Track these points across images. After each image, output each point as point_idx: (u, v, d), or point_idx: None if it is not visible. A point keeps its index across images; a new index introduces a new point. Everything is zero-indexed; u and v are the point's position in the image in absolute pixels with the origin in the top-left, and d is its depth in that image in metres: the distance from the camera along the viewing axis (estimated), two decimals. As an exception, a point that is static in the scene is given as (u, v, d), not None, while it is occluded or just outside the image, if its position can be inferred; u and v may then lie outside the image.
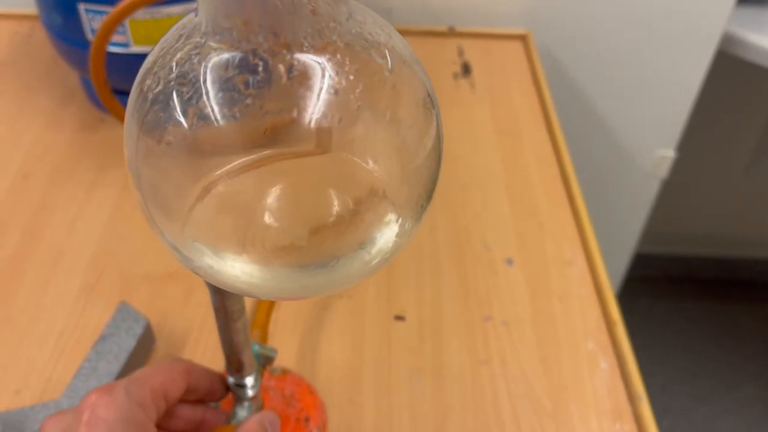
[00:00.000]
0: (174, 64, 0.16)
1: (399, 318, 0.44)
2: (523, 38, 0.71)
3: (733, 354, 1.30)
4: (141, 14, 0.50)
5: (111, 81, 0.44)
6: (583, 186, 0.54)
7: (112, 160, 0.54)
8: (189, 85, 0.16)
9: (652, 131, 0.82)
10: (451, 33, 0.70)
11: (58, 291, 0.45)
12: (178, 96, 0.16)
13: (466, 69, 0.66)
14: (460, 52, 0.68)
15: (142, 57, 0.46)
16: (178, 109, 0.16)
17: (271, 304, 0.34)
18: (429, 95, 0.18)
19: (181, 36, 0.17)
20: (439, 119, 0.18)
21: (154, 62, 0.17)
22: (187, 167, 0.17)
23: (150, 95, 0.16)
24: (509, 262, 0.48)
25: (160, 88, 0.16)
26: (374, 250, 0.18)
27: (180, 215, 0.17)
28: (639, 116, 0.80)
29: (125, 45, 0.51)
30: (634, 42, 0.74)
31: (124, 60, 0.51)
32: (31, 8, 0.68)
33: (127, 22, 0.50)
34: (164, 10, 0.50)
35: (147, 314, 0.42)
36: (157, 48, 0.17)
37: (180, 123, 0.16)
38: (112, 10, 0.41)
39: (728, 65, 0.82)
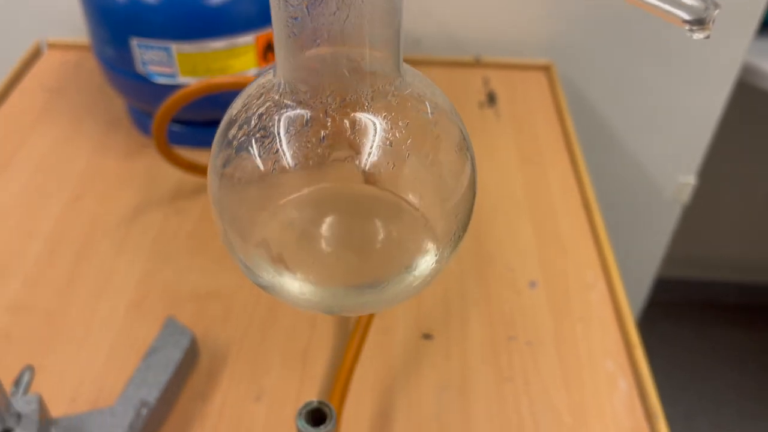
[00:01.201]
0: (256, 117, 0.19)
1: (427, 336, 0.47)
2: (546, 69, 0.73)
3: (757, 382, 1.30)
4: (188, 48, 0.53)
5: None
6: (605, 211, 0.56)
7: (157, 184, 0.57)
8: (269, 136, 0.19)
9: (673, 158, 0.84)
10: (477, 63, 0.73)
11: (108, 307, 0.48)
12: (259, 144, 0.19)
13: (491, 98, 0.68)
14: (486, 82, 0.71)
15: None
16: (259, 155, 0.19)
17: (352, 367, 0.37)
18: (464, 139, 0.21)
19: (261, 94, 0.20)
20: (474, 161, 0.21)
21: (238, 113, 0.20)
22: (259, 199, 0.20)
23: (235, 143, 0.19)
24: (532, 285, 0.50)
25: (244, 137, 0.19)
26: (416, 273, 0.21)
27: (251, 238, 0.20)
28: (660, 144, 0.83)
29: (172, 76, 0.55)
30: (655, 72, 0.77)
31: (171, 90, 0.55)
32: (80, 37, 0.72)
33: (175, 55, 0.54)
34: (210, 44, 0.53)
35: (191, 330, 0.45)
36: (239, 101, 0.20)
37: (258, 166, 0.19)
38: (170, 97, 0.46)
39: (749, 94, 0.84)
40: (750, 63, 0.77)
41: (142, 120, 0.62)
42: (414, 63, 0.72)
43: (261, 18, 0.54)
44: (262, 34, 0.54)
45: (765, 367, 1.32)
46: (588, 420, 0.43)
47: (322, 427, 0.26)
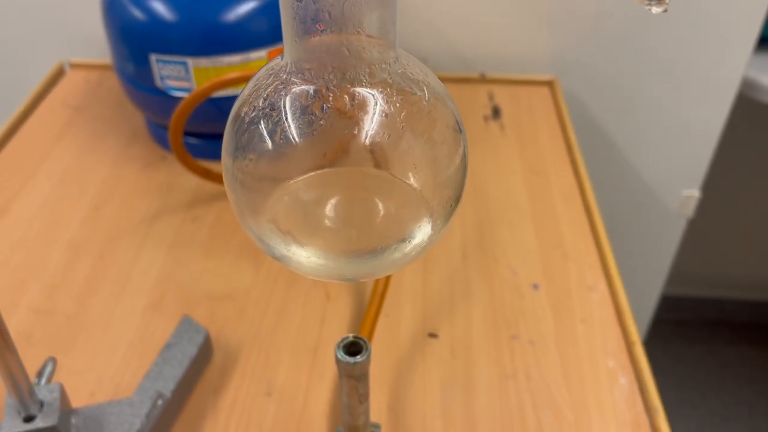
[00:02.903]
0: (265, 95, 0.21)
1: (432, 335, 0.48)
2: (550, 84, 0.75)
3: (769, 399, 1.29)
4: (204, 62, 0.56)
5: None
6: (609, 226, 0.58)
7: (173, 193, 0.60)
8: (277, 110, 0.21)
9: (677, 172, 0.85)
10: (483, 79, 0.76)
11: (126, 308, 0.50)
12: (268, 119, 0.21)
13: (496, 112, 0.71)
14: (491, 97, 0.73)
15: (204, 101, 0.52)
16: (268, 129, 0.21)
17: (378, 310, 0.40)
18: (457, 122, 0.23)
19: (270, 74, 0.22)
20: (465, 141, 0.23)
21: (249, 94, 0.22)
22: (270, 176, 0.22)
23: (246, 119, 0.21)
24: (535, 287, 0.52)
25: (254, 114, 0.21)
26: (413, 243, 0.23)
27: (263, 212, 0.22)
28: (663, 157, 0.84)
29: (189, 90, 0.57)
30: (657, 87, 0.79)
31: (187, 103, 0.57)
32: (101, 58, 0.75)
33: (191, 69, 0.56)
34: (225, 59, 0.56)
35: (206, 328, 0.47)
36: (251, 83, 0.22)
37: (268, 140, 0.21)
38: (187, 96, 0.49)
39: (750, 108, 0.86)
40: (750, 78, 0.79)
41: (160, 133, 0.64)
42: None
43: (273, 34, 0.57)
44: (275, 49, 0.57)
45: (776, 384, 1.32)
46: (589, 415, 0.44)
47: (358, 356, 0.28)
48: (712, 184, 0.90)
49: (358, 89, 0.20)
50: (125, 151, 0.65)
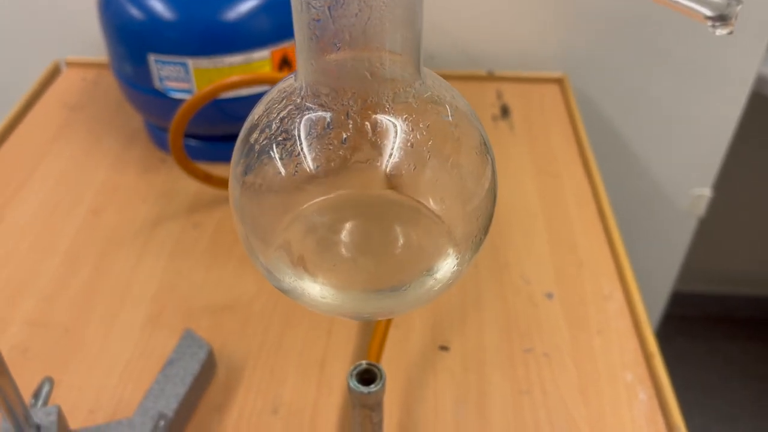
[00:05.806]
0: (278, 121, 0.19)
1: (443, 348, 0.47)
2: (559, 81, 0.73)
3: (775, 395, 1.28)
4: (204, 63, 0.54)
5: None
6: (620, 224, 0.56)
7: (173, 198, 0.58)
8: (291, 139, 0.19)
9: (688, 170, 0.83)
10: (490, 77, 0.74)
11: (126, 320, 0.48)
12: (280, 148, 0.19)
13: (505, 111, 0.69)
14: (499, 95, 0.71)
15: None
16: (280, 158, 0.19)
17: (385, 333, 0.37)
18: (485, 143, 0.21)
19: (283, 98, 0.20)
20: (494, 164, 0.21)
21: (260, 117, 0.20)
22: (281, 204, 0.20)
23: (257, 147, 0.20)
24: (549, 296, 0.50)
25: (265, 141, 0.19)
26: (437, 277, 0.21)
27: (272, 242, 0.20)
28: (674, 156, 0.82)
29: (189, 91, 0.55)
30: (668, 84, 0.77)
31: (187, 105, 0.55)
32: (97, 56, 0.73)
33: (191, 70, 0.54)
34: (226, 60, 0.54)
35: (208, 342, 0.45)
36: (261, 106, 0.21)
37: (280, 169, 0.19)
38: (188, 99, 0.47)
39: (764, 105, 0.84)
40: (764, 74, 0.77)
41: (159, 135, 0.62)
42: (427, 77, 0.72)
43: (276, 33, 0.55)
44: (278, 48, 0.55)
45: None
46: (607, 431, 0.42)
47: (372, 385, 0.26)
48: (722, 182, 0.88)
49: (381, 116, 0.19)
50: (124, 153, 0.63)
